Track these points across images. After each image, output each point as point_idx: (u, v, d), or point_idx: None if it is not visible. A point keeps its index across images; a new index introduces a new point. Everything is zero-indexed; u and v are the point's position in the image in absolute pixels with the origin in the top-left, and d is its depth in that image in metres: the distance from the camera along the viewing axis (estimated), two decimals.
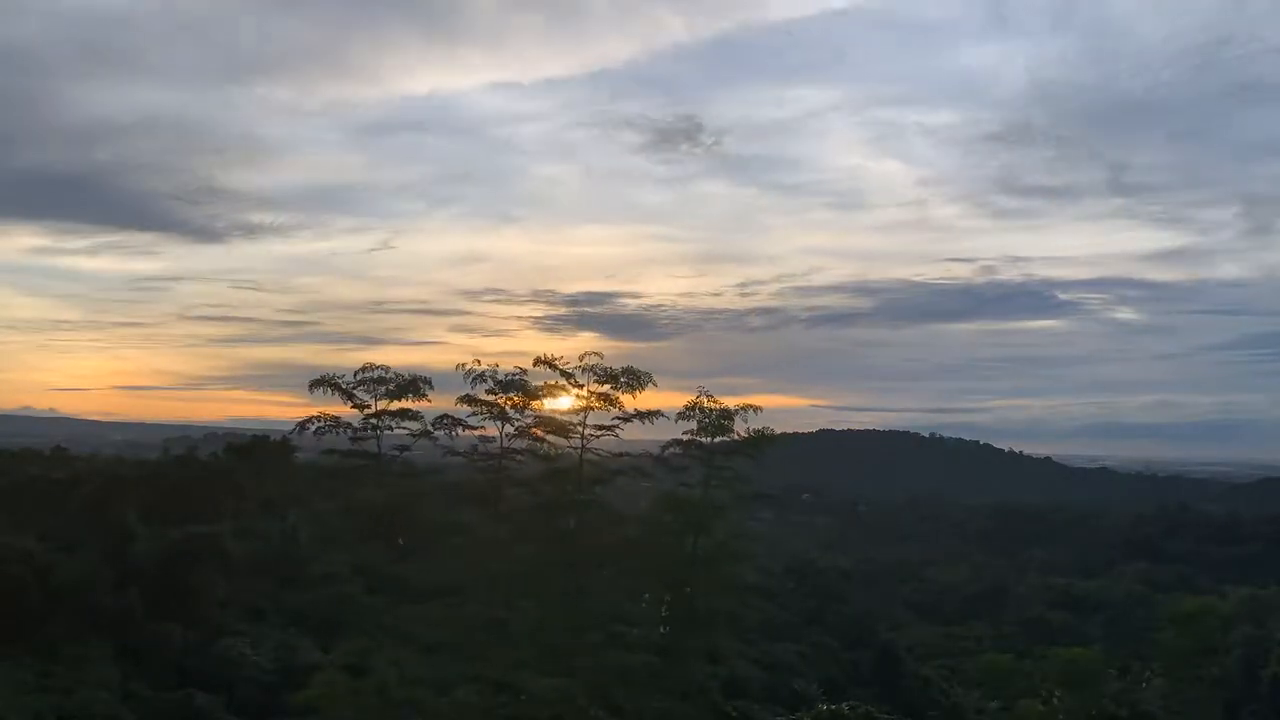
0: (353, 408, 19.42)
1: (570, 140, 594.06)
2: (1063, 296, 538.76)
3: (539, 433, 19.98)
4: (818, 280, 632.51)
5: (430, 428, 19.49)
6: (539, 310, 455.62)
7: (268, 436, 70.74)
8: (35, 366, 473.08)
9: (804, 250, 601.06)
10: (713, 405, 19.51)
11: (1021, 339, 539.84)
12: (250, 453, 65.23)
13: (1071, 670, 40.86)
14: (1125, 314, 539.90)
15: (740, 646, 21.64)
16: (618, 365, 19.52)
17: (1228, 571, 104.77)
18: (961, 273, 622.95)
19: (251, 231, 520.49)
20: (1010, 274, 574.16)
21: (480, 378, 19.25)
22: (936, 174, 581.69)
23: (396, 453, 20.08)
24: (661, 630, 20.53)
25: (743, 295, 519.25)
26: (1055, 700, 38.30)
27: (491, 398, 19.42)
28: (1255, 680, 48.94)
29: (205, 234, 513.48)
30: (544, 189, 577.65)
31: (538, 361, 19.26)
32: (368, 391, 19.37)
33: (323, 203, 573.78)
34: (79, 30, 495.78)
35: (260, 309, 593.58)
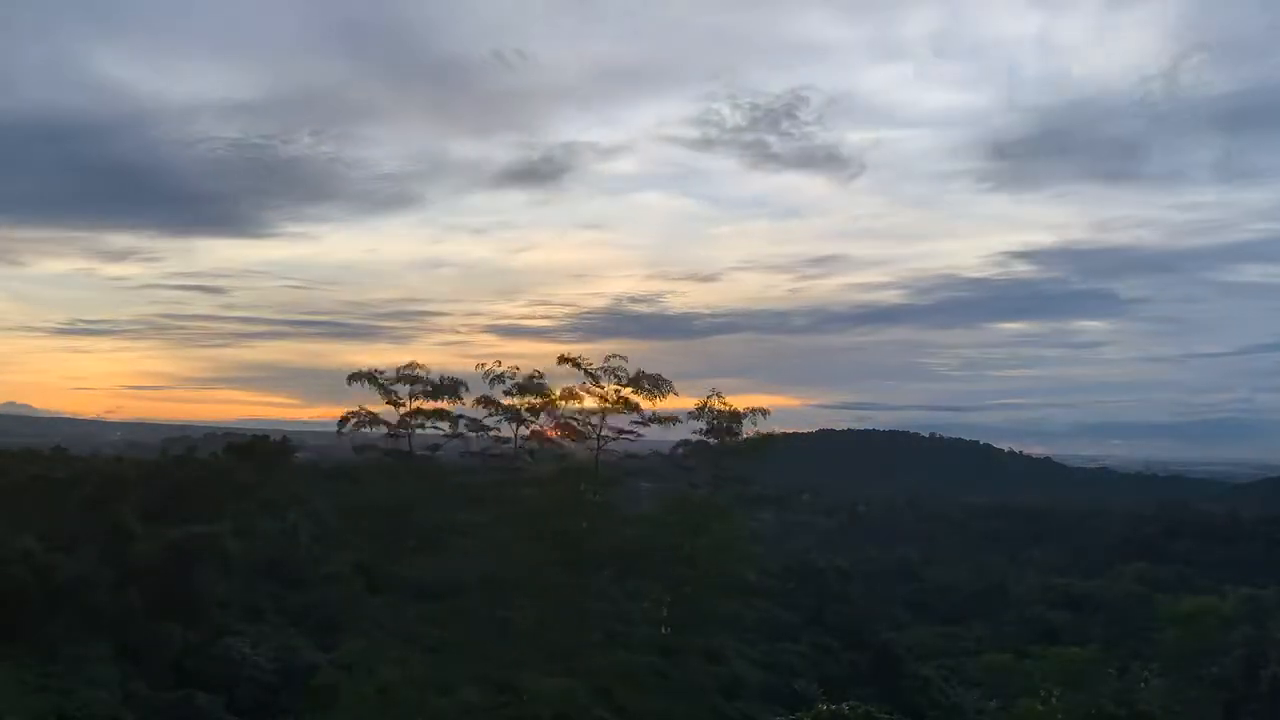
0: (389, 404, 19.47)
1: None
2: (1125, 296, 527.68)
3: (553, 434, 20.04)
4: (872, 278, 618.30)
5: (464, 429, 19.55)
6: (572, 311, 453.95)
7: (268, 436, 70.81)
8: (38, 366, 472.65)
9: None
10: (722, 407, 19.57)
11: (1061, 339, 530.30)
12: (250, 453, 65.25)
13: (1071, 670, 40.83)
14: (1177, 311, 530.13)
15: (740, 646, 21.64)
16: (640, 369, 19.58)
17: (1228, 571, 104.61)
18: (1021, 269, 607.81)
19: (287, 232, 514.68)
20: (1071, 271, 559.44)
21: (499, 379, 19.30)
22: (1018, 158, 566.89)
23: (429, 452, 20.15)
24: (664, 630, 20.54)
25: (791, 294, 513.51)
26: (1054, 700, 38.28)
27: (509, 400, 19.49)
28: (1255, 681, 48.89)
29: (225, 230, 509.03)
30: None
31: (562, 360, 19.28)
32: (406, 390, 19.45)
33: (370, 202, 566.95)
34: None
35: (264, 309, 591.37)
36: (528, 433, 19.93)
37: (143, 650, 39.44)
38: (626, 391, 19.32)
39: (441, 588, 19.33)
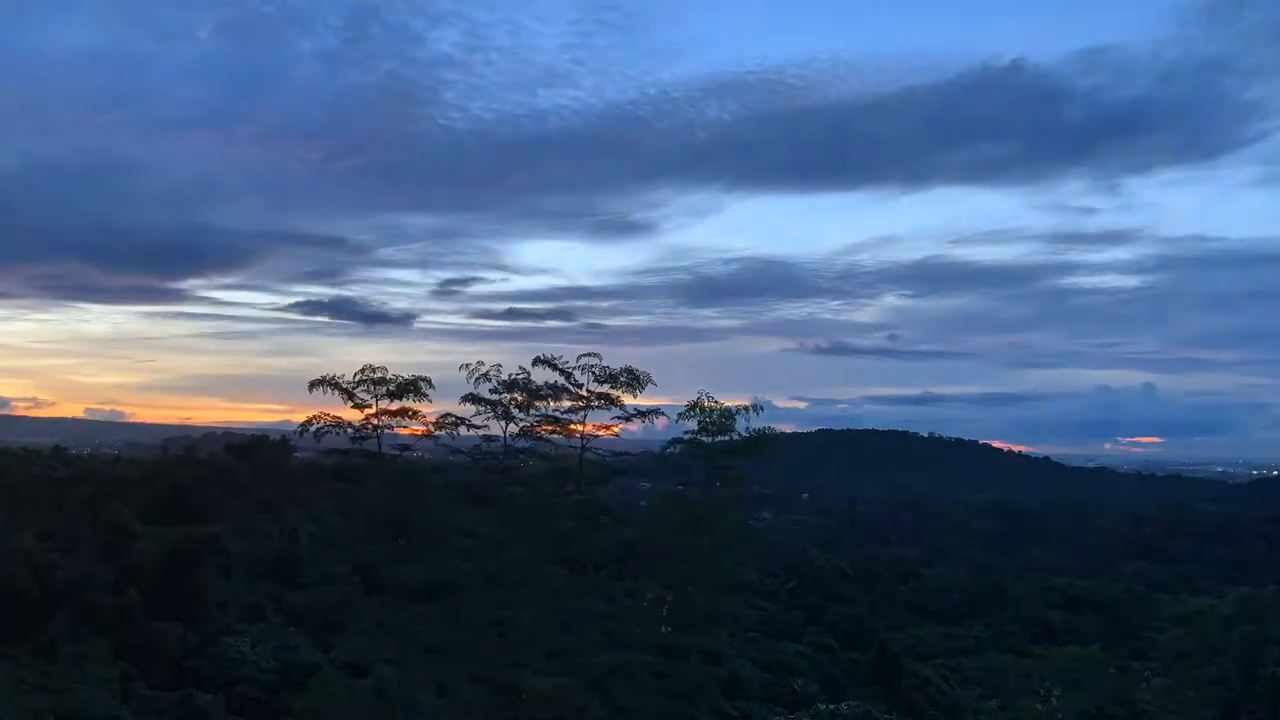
0: (353, 408, 19.54)
1: None
2: None
3: (540, 430, 20.06)
4: None
5: (431, 427, 19.61)
6: None
7: (267, 436, 70.88)
8: (42, 368, 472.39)
9: None
10: (713, 405, 19.61)
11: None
12: (250, 453, 65.27)
13: (1070, 670, 40.92)
14: None
15: (740, 646, 21.65)
16: (617, 365, 19.64)
17: (1226, 571, 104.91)
18: None
19: None
20: None
21: (484, 378, 19.38)
22: None
23: (398, 452, 20.21)
24: (663, 630, 20.53)
25: None
26: (1054, 700, 38.34)
27: (495, 397, 19.54)
28: (1253, 680, 48.91)
29: None
30: None
31: (537, 361, 19.36)
32: (368, 392, 19.50)
33: None
34: None
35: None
36: (516, 430, 19.98)
37: (143, 650, 39.40)
38: (605, 387, 19.40)
39: (439, 587, 19.32)
